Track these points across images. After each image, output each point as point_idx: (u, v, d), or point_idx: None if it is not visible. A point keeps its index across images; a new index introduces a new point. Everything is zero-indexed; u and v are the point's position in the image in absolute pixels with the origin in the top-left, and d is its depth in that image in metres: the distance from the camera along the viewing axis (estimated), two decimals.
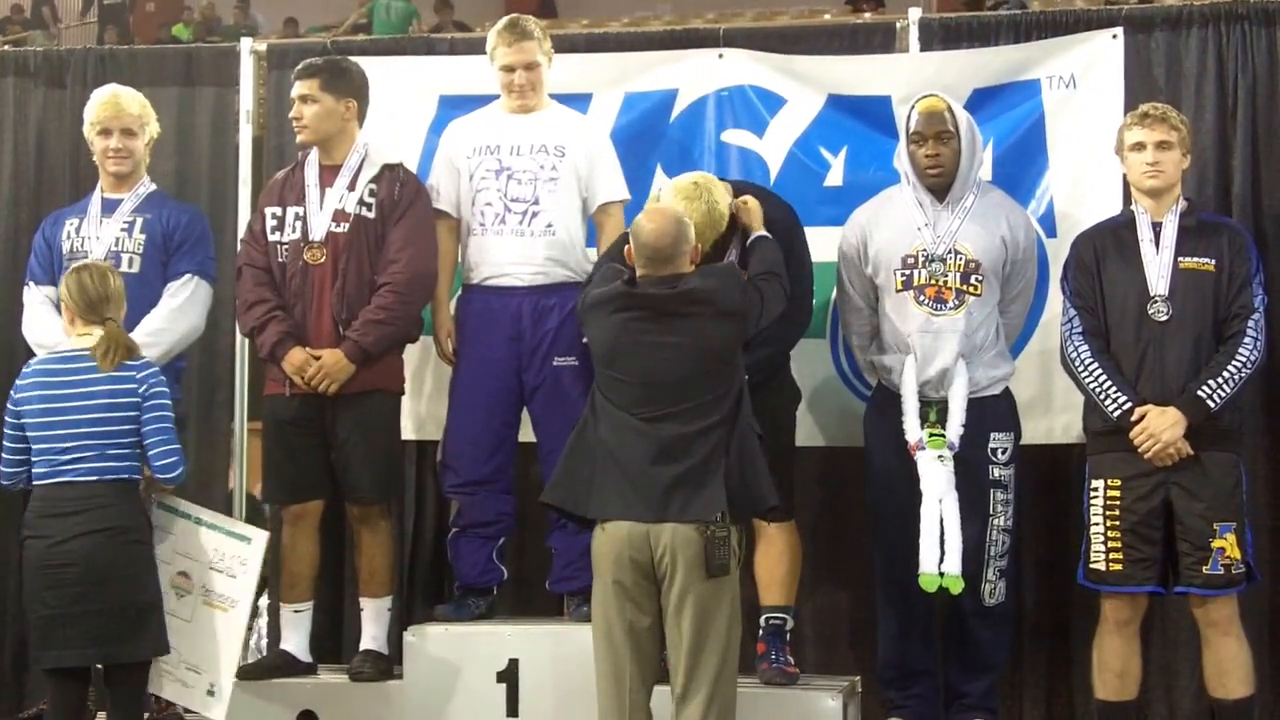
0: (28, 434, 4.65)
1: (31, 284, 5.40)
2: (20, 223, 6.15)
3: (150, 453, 4.68)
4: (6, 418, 4.74)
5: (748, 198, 4.84)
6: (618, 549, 4.29)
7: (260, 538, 4.93)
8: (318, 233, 5.16)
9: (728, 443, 4.31)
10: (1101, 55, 5.48)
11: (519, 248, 5.21)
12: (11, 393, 4.74)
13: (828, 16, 14.49)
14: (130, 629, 4.58)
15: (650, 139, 5.70)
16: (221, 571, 4.88)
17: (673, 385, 4.32)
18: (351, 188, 5.20)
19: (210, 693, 4.81)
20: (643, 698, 4.32)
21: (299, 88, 5.23)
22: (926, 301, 4.92)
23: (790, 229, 4.94)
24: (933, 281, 4.93)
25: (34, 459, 4.64)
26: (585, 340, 4.60)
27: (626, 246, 4.52)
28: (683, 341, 4.32)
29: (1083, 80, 5.48)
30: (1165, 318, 4.72)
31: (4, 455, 4.73)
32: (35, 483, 4.64)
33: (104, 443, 4.62)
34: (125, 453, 4.65)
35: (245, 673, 5.18)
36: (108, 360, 4.66)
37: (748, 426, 4.38)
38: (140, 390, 4.66)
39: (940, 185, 4.97)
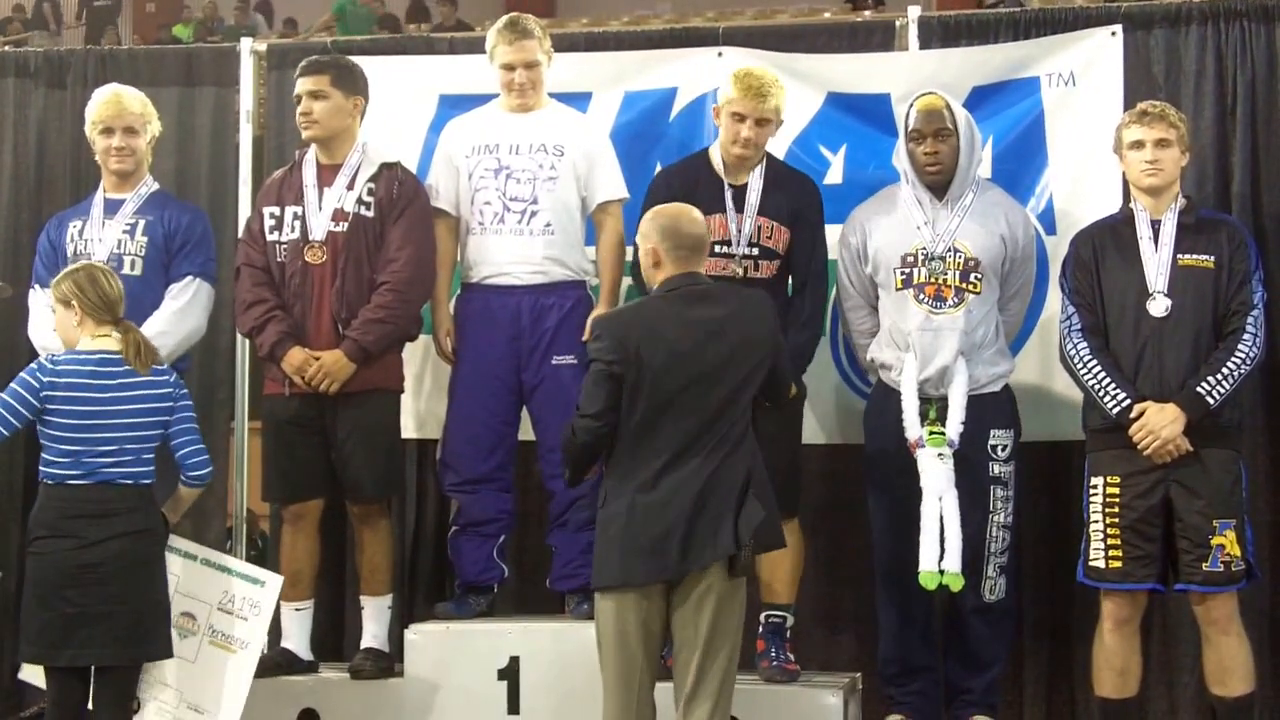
0: (52, 430, 4.61)
1: (37, 287, 5.39)
2: (21, 223, 6.15)
3: (180, 453, 4.70)
4: (19, 390, 4.62)
5: None
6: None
7: (274, 581, 4.89)
8: (317, 232, 5.16)
9: (752, 478, 4.28)
10: (1101, 52, 5.49)
11: (518, 247, 5.22)
12: (37, 374, 4.64)
13: (827, 15, 14.51)
14: (151, 629, 4.59)
15: (650, 138, 5.70)
16: (231, 613, 4.83)
17: (713, 412, 4.25)
18: (350, 187, 5.20)
19: None
20: (649, 694, 4.31)
21: (307, 83, 5.22)
22: (926, 299, 4.93)
23: (820, 208, 5.10)
24: (932, 279, 4.93)
25: (61, 458, 4.60)
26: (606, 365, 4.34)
27: (650, 247, 4.40)
28: (726, 358, 4.28)
29: (1082, 78, 5.49)
30: (1164, 315, 4.72)
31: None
32: (63, 482, 4.60)
33: (140, 447, 4.63)
34: (151, 457, 4.67)
35: None
36: (141, 363, 4.67)
37: (761, 463, 4.37)
38: (173, 394, 4.70)
39: (939, 183, 4.97)
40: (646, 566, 4.22)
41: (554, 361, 5.16)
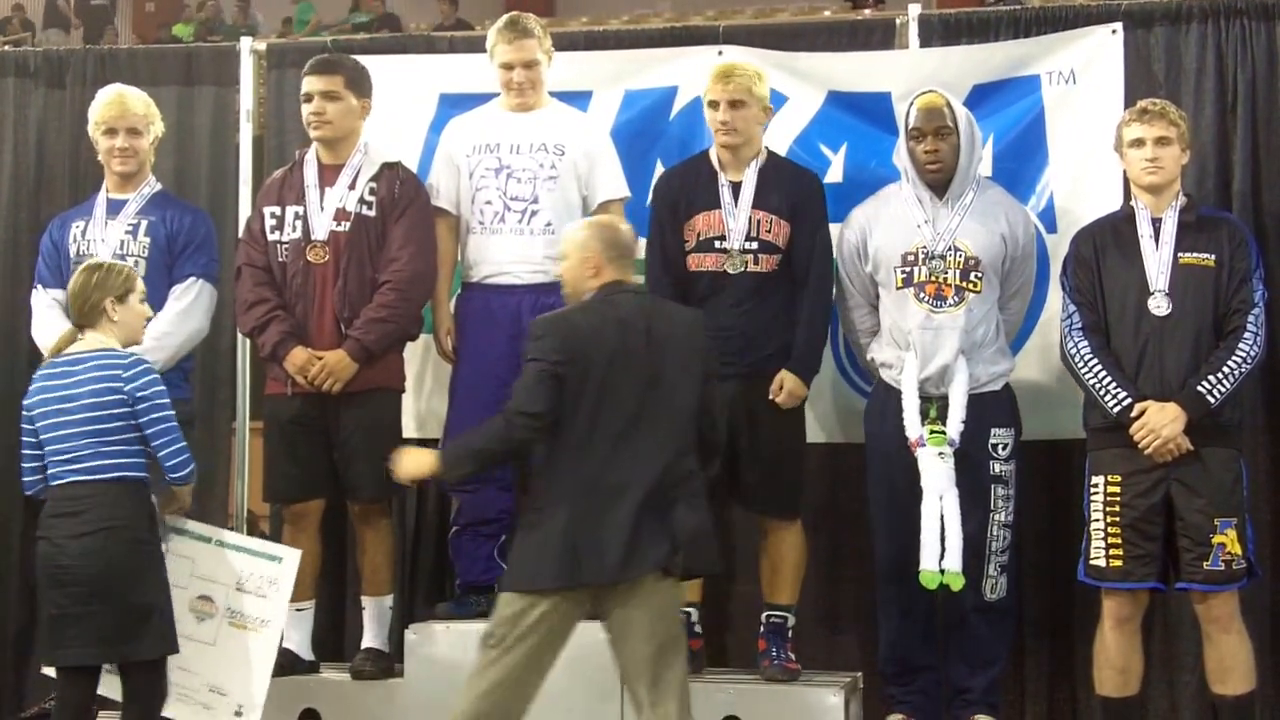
0: (40, 438, 4.63)
1: (40, 287, 5.40)
2: (20, 223, 6.15)
3: (157, 455, 4.63)
4: (23, 424, 4.71)
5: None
6: None
7: (292, 556, 4.88)
8: (320, 232, 5.16)
9: (690, 488, 4.32)
10: (1101, 50, 5.48)
11: (518, 246, 5.22)
12: (25, 399, 4.71)
13: (827, 13, 14.53)
14: (133, 628, 4.53)
15: (650, 136, 5.70)
16: (250, 592, 4.84)
17: (660, 414, 4.27)
18: (352, 186, 5.20)
19: (238, 714, 4.75)
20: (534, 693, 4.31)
21: (320, 83, 5.20)
22: (926, 298, 4.93)
23: (822, 199, 5.11)
24: (933, 278, 4.93)
25: (45, 461, 4.62)
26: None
27: (589, 255, 4.40)
28: (675, 363, 4.31)
29: (1082, 76, 5.48)
30: (1165, 313, 4.71)
31: (23, 463, 4.71)
32: (49, 484, 4.62)
33: (97, 440, 4.57)
34: (120, 449, 4.58)
35: None
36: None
37: (701, 483, 4.37)
38: (126, 389, 4.57)
39: (939, 181, 4.97)
40: (589, 570, 4.19)
41: None
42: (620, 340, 4.26)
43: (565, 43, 5.85)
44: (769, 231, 5.03)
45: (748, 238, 5.02)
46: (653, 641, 4.21)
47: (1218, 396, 4.63)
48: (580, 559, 4.17)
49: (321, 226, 5.17)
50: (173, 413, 4.66)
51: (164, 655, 4.61)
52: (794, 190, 5.08)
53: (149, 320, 4.86)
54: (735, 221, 5.03)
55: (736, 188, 5.07)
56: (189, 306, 5.23)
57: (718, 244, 5.02)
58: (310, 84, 5.22)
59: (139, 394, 4.58)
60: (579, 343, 4.25)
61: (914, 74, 5.46)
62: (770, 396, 4.97)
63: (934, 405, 4.88)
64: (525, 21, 5.30)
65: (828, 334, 5.16)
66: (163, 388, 4.66)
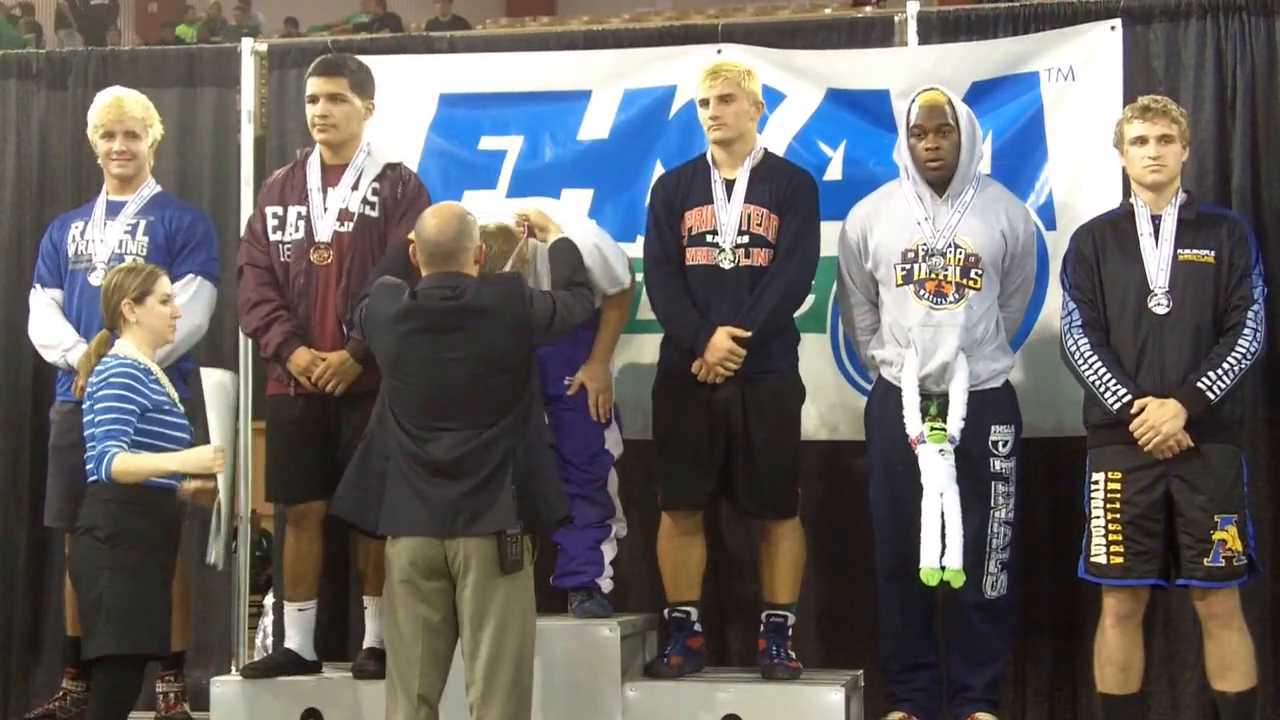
0: None
1: (39, 287, 5.43)
2: (23, 225, 6.16)
3: None
4: None
5: (530, 211, 5.04)
6: (410, 555, 4.38)
7: (209, 375, 4.98)
8: (324, 233, 5.16)
9: (515, 454, 4.38)
10: (1100, 47, 5.48)
11: None
12: None
13: (827, 11, 14.54)
14: (89, 625, 4.59)
15: (650, 135, 5.71)
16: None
17: (455, 397, 4.39)
18: (355, 187, 5.20)
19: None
20: (434, 694, 4.41)
21: (326, 85, 5.19)
22: (927, 295, 4.93)
23: (811, 193, 5.09)
24: (933, 276, 4.93)
25: None
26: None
27: (412, 246, 4.61)
28: (464, 354, 4.40)
29: (1082, 72, 5.48)
30: (1165, 310, 4.72)
31: None
32: None
33: (90, 444, 4.61)
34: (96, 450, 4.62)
35: (250, 671, 5.22)
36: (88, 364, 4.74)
37: (538, 437, 4.48)
38: (90, 394, 4.63)
39: (940, 179, 4.97)
40: (361, 509, 4.48)
41: (566, 381, 5.17)
42: (399, 331, 4.43)
43: (565, 42, 5.88)
44: (759, 225, 5.04)
45: (739, 232, 5.03)
46: (489, 637, 4.33)
47: (1218, 393, 4.63)
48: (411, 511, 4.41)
49: (325, 227, 5.17)
50: (108, 414, 4.58)
51: (120, 653, 4.56)
52: (784, 184, 5.07)
53: (176, 318, 4.90)
54: (727, 216, 5.04)
55: (730, 185, 5.08)
56: (187, 305, 5.22)
57: (709, 238, 5.03)
58: (316, 85, 5.21)
59: (91, 394, 4.62)
60: (373, 323, 4.53)
61: (913, 71, 5.46)
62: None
63: (934, 402, 4.88)
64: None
65: (787, 310, 5.08)
66: (112, 389, 4.59)
